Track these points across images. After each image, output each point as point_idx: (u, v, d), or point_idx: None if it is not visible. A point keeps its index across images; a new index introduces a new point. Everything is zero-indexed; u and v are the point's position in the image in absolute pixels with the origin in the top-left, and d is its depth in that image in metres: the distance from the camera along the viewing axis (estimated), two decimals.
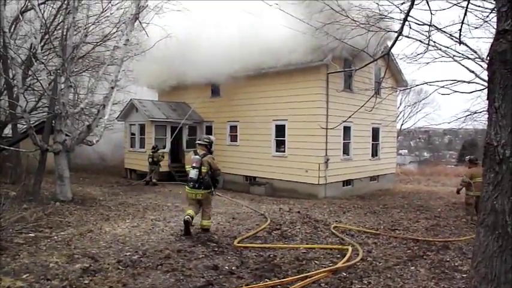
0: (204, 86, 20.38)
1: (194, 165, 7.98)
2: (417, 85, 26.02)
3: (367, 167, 18.90)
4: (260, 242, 7.88)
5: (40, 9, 11.55)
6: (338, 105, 16.06)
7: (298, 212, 11.75)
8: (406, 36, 10.73)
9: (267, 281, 5.49)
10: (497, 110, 3.32)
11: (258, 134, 18.46)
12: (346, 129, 17.27)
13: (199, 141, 8.41)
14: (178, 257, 6.49)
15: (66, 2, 11.75)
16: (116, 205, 11.71)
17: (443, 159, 63.90)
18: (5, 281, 5.01)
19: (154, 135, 20.11)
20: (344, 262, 6.42)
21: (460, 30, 6.35)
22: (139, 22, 11.56)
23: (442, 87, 11.93)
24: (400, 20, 9.38)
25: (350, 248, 7.22)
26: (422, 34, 11.03)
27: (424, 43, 10.87)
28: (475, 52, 11.64)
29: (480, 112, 12.88)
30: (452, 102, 54.23)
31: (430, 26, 8.80)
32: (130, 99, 21.00)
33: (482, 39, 22.65)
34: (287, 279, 5.56)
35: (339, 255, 7.01)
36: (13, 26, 13.44)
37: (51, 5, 13.37)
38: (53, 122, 11.93)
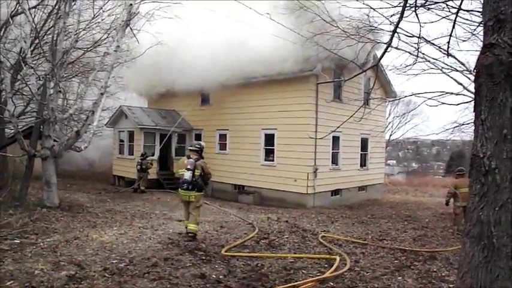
0: (194, 94, 20.30)
1: (189, 167, 8.32)
2: (406, 96, 26.38)
3: (355, 177, 18.99)
4: (248, 251, 7.86)
5: (31, 14, 11.45)
6: (327, 115, 16.15)
7: (287, 221, 11.76)
8: (395, 48, 10.91)
9: None
10: (483, 122, 3.38)
11: (247, 143, 18.44)
12: (335, 139, 17.38)
13: (191, 147, 8.82)
14: (166, 265, 6.44)
15: (57, 7, 11.69)
16: (103, 212, 11.59)
17: (431, 170, 64.58)
18: None
19: (143, 143, 19.99)
20: (332, 272, 6.42)
21: (449, 42, 6.44)
22: (131, 29, 11.54)
23: (430, 98, 12.14)
24: (389, 31, 9.52)
25: (338, 258, 7.23)
26: (412, 46, 11.21)
27: (413, 55, 11.04)
28: (463, 64, 11.86)
29: (468, 124, 13.11)
30: (441, 113, 54.87)
31: (419, 38, 8.97)
32: (120, 106, 20.90)
33: (470, 52, 23.16)
34: None
35: (326, 265, 7.02)
36: (3, 29, 13.32)
37: (42, 10, 13.27)
38: (41, 127, 11.81)
